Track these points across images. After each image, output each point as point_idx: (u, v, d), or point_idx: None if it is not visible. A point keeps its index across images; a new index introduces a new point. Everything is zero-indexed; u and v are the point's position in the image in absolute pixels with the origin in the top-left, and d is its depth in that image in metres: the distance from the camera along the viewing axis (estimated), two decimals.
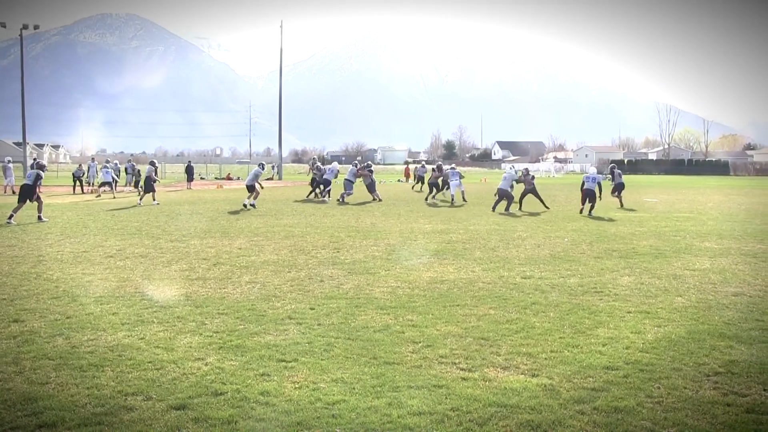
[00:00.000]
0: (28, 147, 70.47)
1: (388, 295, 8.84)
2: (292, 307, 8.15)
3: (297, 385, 5.39)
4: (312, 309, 8.03)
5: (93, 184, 37.85)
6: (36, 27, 62.52)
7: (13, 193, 33.56)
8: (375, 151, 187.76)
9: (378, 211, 23.36)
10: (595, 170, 24.85)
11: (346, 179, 28.69)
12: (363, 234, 15.94)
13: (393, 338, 6.75)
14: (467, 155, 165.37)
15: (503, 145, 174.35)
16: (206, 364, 5.93)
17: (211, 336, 6.84)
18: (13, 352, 6.18)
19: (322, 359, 6.09)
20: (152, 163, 28.02)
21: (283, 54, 70.31)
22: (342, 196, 27.41)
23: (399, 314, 7.74)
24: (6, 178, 35.05)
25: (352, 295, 8.86)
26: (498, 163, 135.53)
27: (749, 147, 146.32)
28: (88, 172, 38.60)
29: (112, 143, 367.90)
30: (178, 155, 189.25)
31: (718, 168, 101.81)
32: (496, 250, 13.25)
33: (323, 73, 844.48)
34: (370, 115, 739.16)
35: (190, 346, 6.47)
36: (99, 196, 31.47)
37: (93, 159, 42.64)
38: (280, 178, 65.49)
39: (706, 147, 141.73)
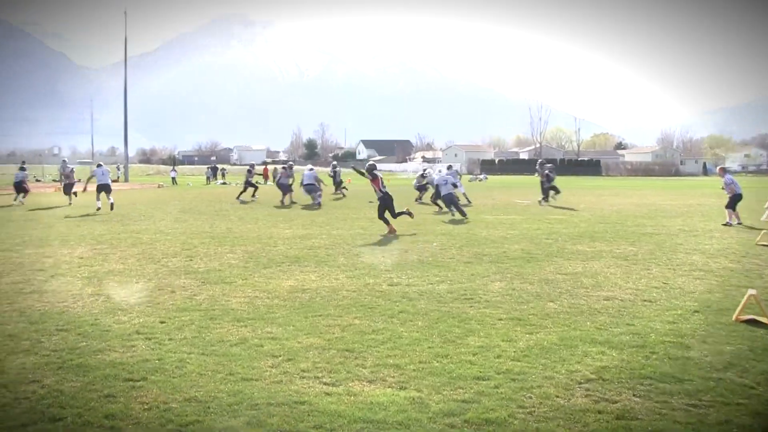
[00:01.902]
0: None
1: (245, 305, 8.75)
2: (140, 320, 7.89)
3: (146, 407, 5.24)
4: (162, 322, 7.81)
5: None
6: None
7: None
8: (231, 150, 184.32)
9: (234, 215, 23.00)
10: (446, 171, 25.78)
11: (307, 184, 28.10)
12: (218, 240, 15.64)
13: (251, 352, 6.69)
14: (330, 155, 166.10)
15: (368, 143, 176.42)
16: (42, 387, 5.63)
17: (48, 355, 6.49)
18: None
19: (173, 377, 5.94)
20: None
21: (127, 44, 67.77)
22: (317, 202, 27.36)
23: (257, 326, 7.68)
24: None
25: (206, 306, 8.69)
26: (361, 163, 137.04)
27: (620, 146, 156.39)
28: None
29: None
30: (9, 155, 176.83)
31: (591, 168, 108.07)
32: (361, 255, 13.35)
33: (172, 66, 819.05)
34: (225, 112, 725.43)
35: (24, 368, 6.12)
36: None
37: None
38: (126, 180, 62.99)
39: (578, 146, 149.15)
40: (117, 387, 5.66)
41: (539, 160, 31.83)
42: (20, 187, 28.48)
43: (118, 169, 67.63)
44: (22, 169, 30.30)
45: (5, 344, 6.84)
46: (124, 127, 67.51)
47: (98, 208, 23.74)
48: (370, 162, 19.47)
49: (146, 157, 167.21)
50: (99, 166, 25.65)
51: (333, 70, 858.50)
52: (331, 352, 6.73)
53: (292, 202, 28.50)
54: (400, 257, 13.18)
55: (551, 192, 28.67)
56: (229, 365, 6.27)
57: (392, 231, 17.03)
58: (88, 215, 18.04)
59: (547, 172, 28.63)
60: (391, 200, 17.63)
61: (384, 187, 17.75)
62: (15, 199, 28.00)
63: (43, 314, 8.17)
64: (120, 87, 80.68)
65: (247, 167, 35.96)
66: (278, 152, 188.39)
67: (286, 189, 29.14)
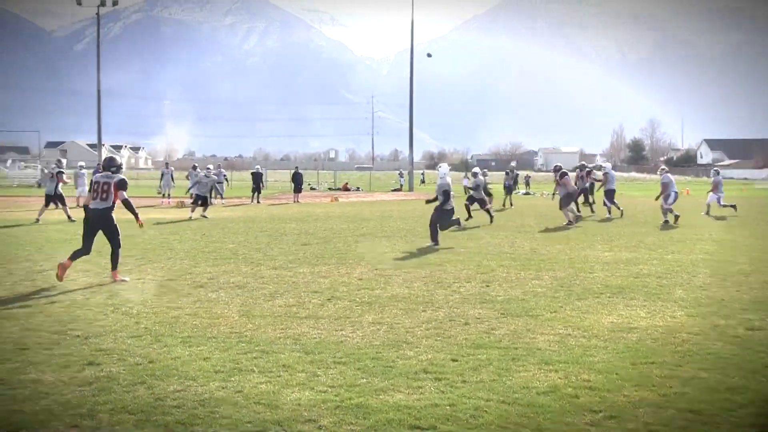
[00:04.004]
0: (103, 149, 75.29)
1: (555, 345, 8.71)
2: (429, 357, 8.19)
3: None
4: (454, 360, 8.03)
5: (168, 195, 40.29)
6: (115, 3, 66.86)
7: (79, 205, 35.91)
8: (535, 153, 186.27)
9: (539, 233, 23.12)
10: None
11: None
12: (520, 263, 15.81)
13: (562, 404, 6.63)
14: (661, 158, 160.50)
15: (714, 144, 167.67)
16: (319, 428, 6.05)
17: (325, 391, 6.98)
18: (89, 403, 6.57)
19: (468, 427, 6.06)
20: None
21: (414, 28, 71.20)
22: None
23: (570, 372, 7.60)
24: (78, 187, 37.47)
25: (507, 343, 8.80)
26: (706, 169, 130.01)
27: None
28: (161, 180, 41.60)
29: (203, 144, 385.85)
30: (282, 159, 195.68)
31: None
32: (707, 288, 12.76)
33: (465, 54, 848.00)
34: (527, 106, 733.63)
35: (299, 404, 6.63)
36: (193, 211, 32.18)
37: (167, 165, 45.17)
38: (410, 189, 66.20)
39: None
40: None
41: None
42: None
43: (401, 176, 71.49)
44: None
45: (279, 375, 7.48)
46: (410, 127, 71.07)
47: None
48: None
49: (434, 162, 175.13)
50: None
51: (664, 47, 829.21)
52: (669, 411, 6.44)
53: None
54: (762, 292, 12.29)
55: None
56: (536, 418, 6.25)
57: None
58: (365, 233, 19.30)
59: None
60: None
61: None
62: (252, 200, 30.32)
63: (319, 343, 8.83)
64: (400, 81, 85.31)
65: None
66: (594, 155, 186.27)
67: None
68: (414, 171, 75.19)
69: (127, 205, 13.47)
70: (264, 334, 9.28)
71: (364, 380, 7.32)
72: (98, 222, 13.28)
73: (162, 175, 42.57)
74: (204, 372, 7.58)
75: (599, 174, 33.56)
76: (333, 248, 18.76)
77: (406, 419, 6.24)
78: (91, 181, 13.59)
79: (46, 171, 40.18)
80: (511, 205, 38.16)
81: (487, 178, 29.10)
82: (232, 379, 7.35)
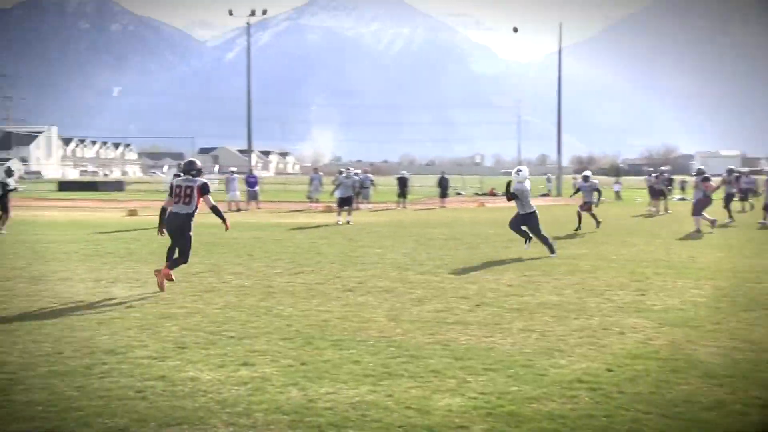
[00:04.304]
0: (253, 156, 77.67)
1: (719, 358, 8.37)
2: (583, 366, 8.03)
3: None
4: (610, 371, 7.85)
5: (317, 200, 41.20)
6: (264, 12, 68.97)
7: (238, 210, 37.24)
8: (691, 157, 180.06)
9: (702, 240, 22.36)
10: None
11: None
12: (677, 271, 15.32)
13: (731, 421, 6.36)
14: None
15: None
16: None
17: (475, 398, 6.95)
18: (244, 402, 6.78)
19: None
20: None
21: (562, 30, 70.26)
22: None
23: (738, 387, 7.27)
24: (229, 192, 38.86)
25: (665, 354, 8.52)
26: None
27: None
28: (310, 185, 42.64)
29: (349, 149, 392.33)
30: (427, 164, 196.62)
31: None
32: None
33: (615, 55, 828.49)
34: (685, 108, 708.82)
35: (450, 410, 6.62)
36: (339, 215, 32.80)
37: (316, 170, 46.10)
38: (558, 194, 65.27)
39: None
40: None
41: None
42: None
43: (549, 181, 70.55)
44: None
45: (429, 381, 7.50)
46: (558, 130, 70.09)
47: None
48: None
49: (582, 167, 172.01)
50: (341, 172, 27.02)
51: None
52: None
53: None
54: None
55: None
56: None
57: None
58: (513, 239, 19.09)
59: None
60: None
61: None
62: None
63: (468, 349, 8.80)
64: (547, 83, 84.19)
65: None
66: (758, 159, 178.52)
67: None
68: (562, 175, 74.07)
69: (215, 210, 13.26)
70: (413, 339, 9.33)
71: (516, 388, 7.25)
72: (176, 226, 13.10)
73: (311, 180, 43.51)
74: (354, 375, 7.69)
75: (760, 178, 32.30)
76: (480, 254, 18.69)
77: (560, 429, 6.14)
78: (171, 185, 13.44)
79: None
80: (667, 211, 37.00)
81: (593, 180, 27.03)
82: (383, 383, 7.42)
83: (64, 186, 76.91)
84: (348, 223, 28.84)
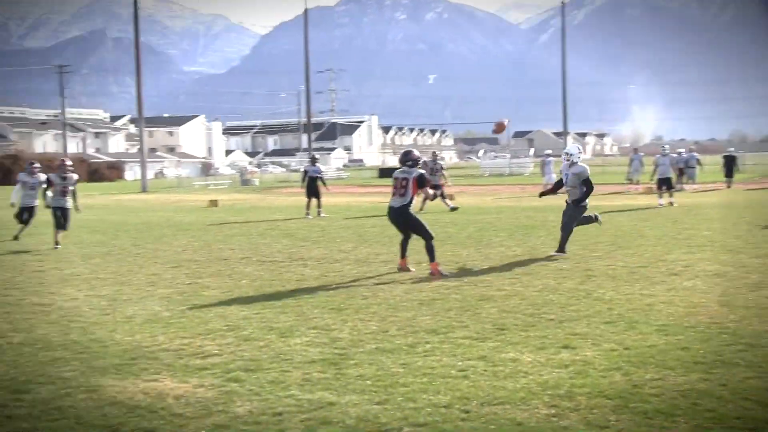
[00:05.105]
0: (569, 138, 76.94)
1: None
2: None
3: None
4: None
5: (637, 182, 39.94)
6: None
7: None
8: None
9: None
10: None
11: None
12: None
13: None
14: None
15: None
16: None
17: None
18: (566, 384, 6.71)
19: None
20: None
21: None
22: None
23: None
24: (545, 175, 38.93)
25: None
26: None
27: None
28: (630, 166, 41.46)
29: (671, 128, 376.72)
30: (762, 140, 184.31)
31: None
32: None
33: None
34: None
35: None
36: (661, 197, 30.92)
37: (636, 151, 44.65)
38: None
39: None
40: None
41: None
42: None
43: None
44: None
45: None
46: None
47: None
48: None
49: None
50: None
51: None
52: None
53: None
54: None
55: None
56: None
57: None
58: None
59: None
60: None
61: None
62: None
63: None
64: None
65: None
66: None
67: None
68: None
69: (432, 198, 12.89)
70: (749, 326, 8.75)
71: None
72: (398, 220, 13.10)
73: (631, 161, 42.37)
74: (683, 362, 7.36)
75: None
76: None
77: None
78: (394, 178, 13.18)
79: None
80: None
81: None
82: (715, 371, 7.03)
83: (384, 172, 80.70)
84: (671, 204, 27.68)
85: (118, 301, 11.26)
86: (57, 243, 18.16)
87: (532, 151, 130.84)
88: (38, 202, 19.86)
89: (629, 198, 33.99)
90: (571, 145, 17.99)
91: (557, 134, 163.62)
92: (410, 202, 13.00)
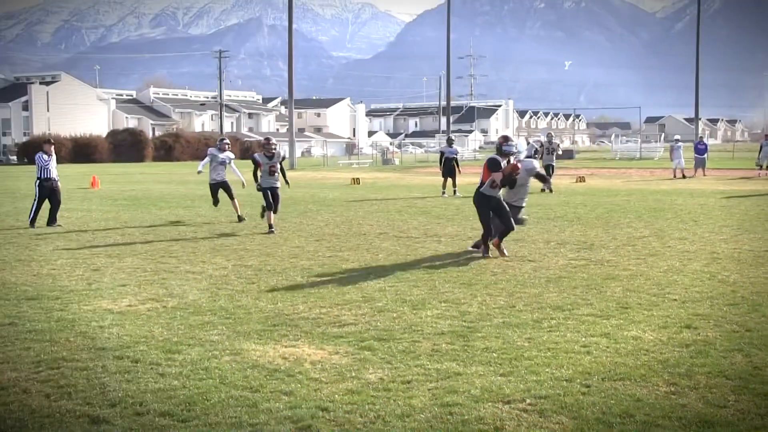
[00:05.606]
0: (700, 123, 74.36)
1: None
2: None
3: None
4: None
5: (766, 167, 38.42)
6: None
7: (683, 177, 36.19)
8: None
9: None
10: None
11: None
12: None
13: None
14: None
15: None
16: None
17: None
18: (686, 363, 6.60)
19: None
20: None
21: None
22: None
23: None
24: (674, 160, 37.77)
25: None
26: None
27: None
28: (760, 152, 39.91)
29: None
30: None
31: None
32: None
33: None
34: None
35: None
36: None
37: (767, 137, 42.81)
38: None
39: None
40: None
41: None
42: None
43: None
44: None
45: None
46: None
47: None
48: None
49: None
50: None
51: None
52: None
53: None
54: None
55: None
56: None
57: None
58: None
59: None
60: None
61: None
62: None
63: None
64: None
65: None
66: None
67: None
68: None
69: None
70: None
71: None
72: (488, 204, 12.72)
73: (761, 147, 40.66)
74: None
75: None
76: None
77: None
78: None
79: None
80: None
81: None
82: None
83: None
84: None
85: (263, 271, 11.66)
86: (271, 227, 16.73)
87: (662, 136, 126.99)
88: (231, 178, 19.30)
89: (758, 183, 32.70)
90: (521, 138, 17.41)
91: (688, 120, 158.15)
92: (482, 185, 12.70)
